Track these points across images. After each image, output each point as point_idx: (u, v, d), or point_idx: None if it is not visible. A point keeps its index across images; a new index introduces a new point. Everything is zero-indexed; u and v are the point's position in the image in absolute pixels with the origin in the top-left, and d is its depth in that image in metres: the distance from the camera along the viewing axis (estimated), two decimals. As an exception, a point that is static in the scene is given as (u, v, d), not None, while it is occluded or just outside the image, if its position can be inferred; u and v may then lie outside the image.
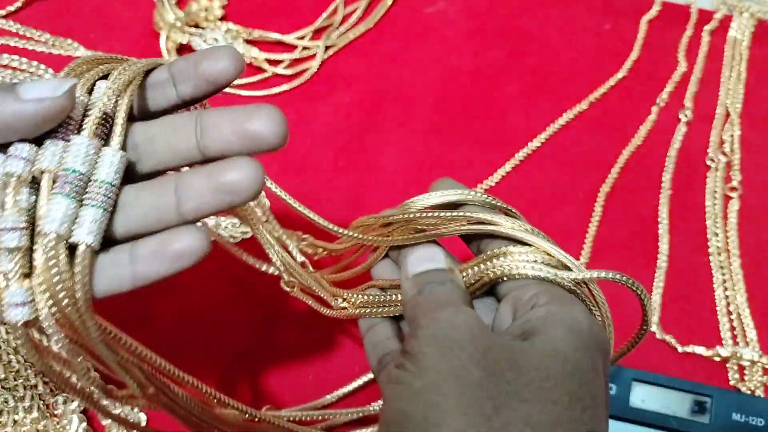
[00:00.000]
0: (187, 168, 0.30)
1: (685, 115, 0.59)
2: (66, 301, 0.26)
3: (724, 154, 0.57)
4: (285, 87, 0.59)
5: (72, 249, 0.26)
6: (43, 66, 0.58)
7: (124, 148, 0.28)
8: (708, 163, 0.57)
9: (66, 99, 0.26)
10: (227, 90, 0.58)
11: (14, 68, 0.58)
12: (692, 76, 0.61)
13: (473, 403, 0.22)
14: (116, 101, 0.28)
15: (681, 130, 0.58)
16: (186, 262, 0.27)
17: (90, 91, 0.29)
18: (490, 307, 0.30)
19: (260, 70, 0.60)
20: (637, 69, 0.61)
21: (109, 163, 0.27)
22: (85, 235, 0.26)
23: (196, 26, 0.60)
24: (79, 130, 0.27)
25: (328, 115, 0.58)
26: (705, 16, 0.64)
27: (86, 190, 0.27)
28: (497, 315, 0.28)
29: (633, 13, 0.64)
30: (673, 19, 0.64)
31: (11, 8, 0.62)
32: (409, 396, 0.23)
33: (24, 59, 0.58)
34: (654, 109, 0.59)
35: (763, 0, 0.65)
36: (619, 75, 0.61)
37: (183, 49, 0.60)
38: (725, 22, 0.64)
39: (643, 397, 0.44)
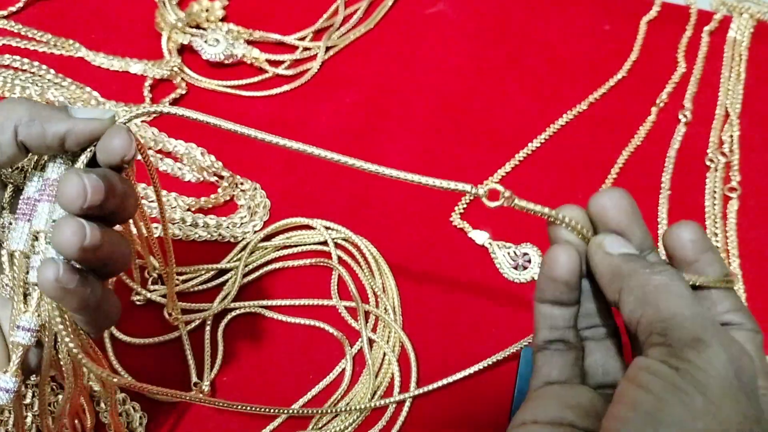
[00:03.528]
0: None
1: (685, 116, 0.59)
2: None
3: (724, 154, 0.57)
4: (286, 87, 0.60)
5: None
6: (44, 66, 0.59)
7: None
8: (707, 163, 0.57)
9: (110, 121, 0.31)
10: (229, 90, 0.59)
11: (16, 68, 0.59)
12: (692, 76, 0.61)
13: None
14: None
15: (680, 130, 0.58)
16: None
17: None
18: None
19: (261, 70, 0.60)
20: (637, 70, 0.61)
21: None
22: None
23: (198, 27, 0.61)
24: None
25: (328, 115, 0.58)
26: (704, 16, 0.64)
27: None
28: None
29: (633, 13, 0.64)
30: (673, 19, 0.64)
31: (13, 8, 0.62)
32: (690, 408, 0.24)
33: (26, 59, 0.59)
34: (653, 110, 0.59)
35: (763, 1, 0.65)
36: (619, 75, 0.61)
37: (184, 50, 0.61)
38: (725, 23, 0.64)
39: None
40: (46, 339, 0.31)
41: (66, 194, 0.29)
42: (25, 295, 0.31)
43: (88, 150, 0.31)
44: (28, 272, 0.31)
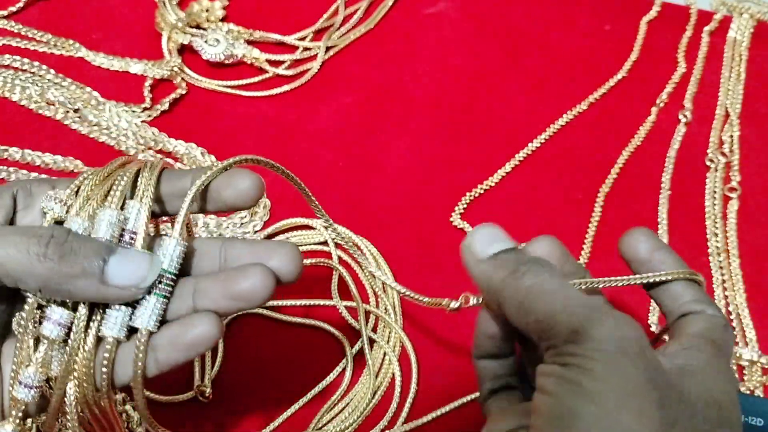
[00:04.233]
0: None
1: (685, 116, 0.59)
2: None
3: (724, 154, 0.57)
4: (286, 88, 0.60)
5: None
6: (44, 66, 0.59)
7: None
8: (707, 163, 0.57)
9: (150, 284, 0.29)
10: (229, 90, 0.59)
11: (16, 68, 0.59)
12: (692, 76, 0.61)
13: (656, 423, 0.24)
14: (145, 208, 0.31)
15: (680, 130, 0.58)
16: (201, 348, 0.30)
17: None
18: None
19: (261, 70, 0.60)
20: (637, 70, 0.61)
21: (171, 253, 0.30)
22: (147, 320, 0.29)
23: (198, 27, 0.60)
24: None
25: (328, 115, 0.58)
26: (704, 17, 0.64)
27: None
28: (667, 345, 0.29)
29: (633, 14, 0.64)
30: (673, 20, 0.64)
31: (13, 8, 0.62)
32: (581, 396, 0.24)
33: (26, 59, 0.59)
34: (653, 110, 0.59)
35: (763, 1, 0.65)
36: (619, 76, 0.61)
37: (184, 50, 0.61)
38: (725, 23, 0.64)
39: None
40: (54, 395, 0.29)
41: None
42: (36, 343, 0.29)
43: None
44: (41, 323, 0.29)
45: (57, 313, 0.29)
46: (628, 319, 0.26)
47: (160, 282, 0.30)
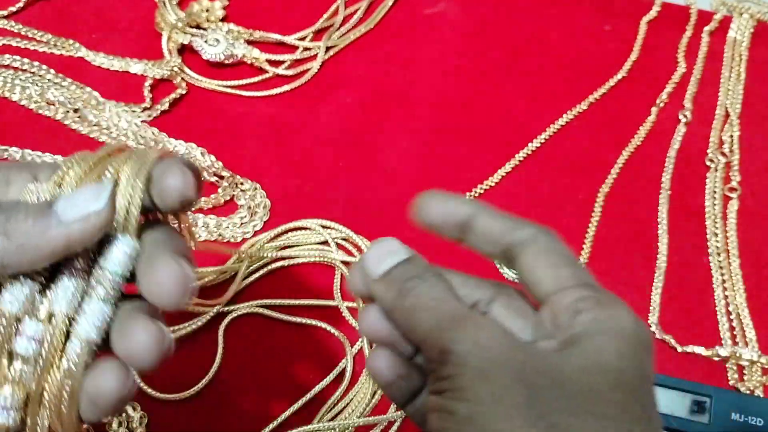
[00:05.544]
0: None
1: (685, 116, 0.59)
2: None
3: (724, 154, 0.57)
4: (286, 88, 0.60)
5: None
6: (44, 66, 0.59)
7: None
8: (707, 163, 0.57)
9: (110, 209, 0.25)
10: (229, 90, 0.59)
11: (16, 68, 0.59)
12: (692, 76, 0.61)
13: (525, 423, 0.22)
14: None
15: (680, 130, 0.58)
16: (106, 404, 0.25)
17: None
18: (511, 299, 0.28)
19: (261, 71, 0.60)
20: (637, 70, 0.62)
21: (117, 253, 0.26)
22: (86, 328, 0.26)
23: (198, 27, 0.61)
24: None
25: (328, 115, 0.58)
26: (705, 17, 0.65)
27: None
28: (537, 322, 0.27)
29: (633, 14, 0.64)
30: (673, 20, 0.64)
31: (13, 8, 0.62)
32: (457, 423, 0.23)
33: (26, 59, 0.59)
34: (653, 110, 0.59)
35: (763, 1, 0.65)
36: (619, 76, 0.61)
37: (184, 50, 0.61)
38: (725, 23, 0.64)
39: (643, 396, 0.44)
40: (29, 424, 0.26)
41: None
42: (10, 357, 0.25)
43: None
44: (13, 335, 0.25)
45: (31, 328, 0.26)
46: (487, 322, 0.25)
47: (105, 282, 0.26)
